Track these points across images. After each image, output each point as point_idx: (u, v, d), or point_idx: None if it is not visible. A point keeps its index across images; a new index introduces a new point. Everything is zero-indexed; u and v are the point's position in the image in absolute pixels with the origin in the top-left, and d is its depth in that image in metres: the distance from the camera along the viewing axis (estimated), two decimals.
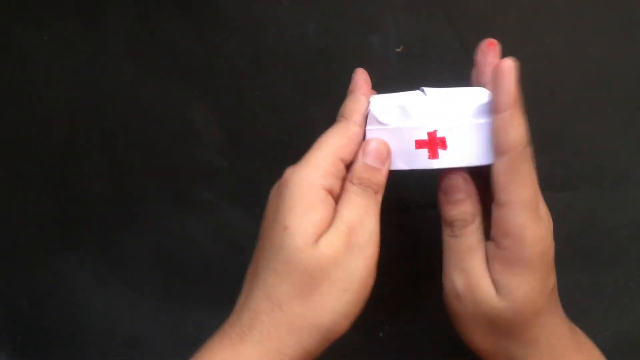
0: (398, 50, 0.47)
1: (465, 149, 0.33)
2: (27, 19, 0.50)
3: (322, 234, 0.33)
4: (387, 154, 0.35)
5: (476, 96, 0.34)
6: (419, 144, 0.34)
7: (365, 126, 0.36)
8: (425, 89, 0.35)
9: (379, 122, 0.35)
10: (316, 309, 0.31)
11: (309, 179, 0.34)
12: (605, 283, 0.46)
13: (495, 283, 0.33)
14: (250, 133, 0.48)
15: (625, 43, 0.46)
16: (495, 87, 0.33)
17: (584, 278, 0.45)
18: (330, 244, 0.32)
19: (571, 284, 0.45)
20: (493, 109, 0.33)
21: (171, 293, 0.48)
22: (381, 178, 0.35)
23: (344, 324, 0.33)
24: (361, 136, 0.36)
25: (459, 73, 0.47)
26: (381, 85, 0.47)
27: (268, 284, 0.32)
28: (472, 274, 0.34)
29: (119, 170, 0.49)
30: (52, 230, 0.49)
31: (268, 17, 0.48)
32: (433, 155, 0.33)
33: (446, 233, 0.36)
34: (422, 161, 0.34)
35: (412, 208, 0.47)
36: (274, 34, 0.48)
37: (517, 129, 0.32)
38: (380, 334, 0.46)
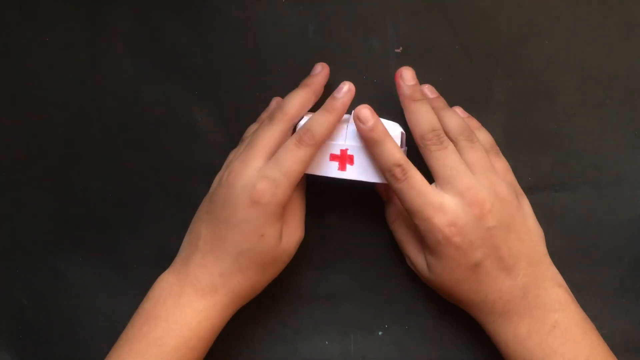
0: (397, 50, 0.47)
1: (367, 168, 0.41)
2: (28, 19, 0.50)
3: None
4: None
5: (388, 129, 0.41)
6: (332, 157, 0.41)
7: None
8: (348, 115, 0.42)
9: None
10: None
11: None
12: (603, 282, 0.46)
13: (426, 260, 0.41)
14: None
15: (624, 43, 0.46)
16: (398, 91, 0.42)
17: (582, 277, 0.46)
18: None
19: (569, 283, 0.46)
20: (402, 104, 0.42)
21: None
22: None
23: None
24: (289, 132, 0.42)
25: (458, 74, 0.47)
26: (380, 86, 0.47)
27: None
28: (411, 257, 0.43)
29: (119, 170, 0.49)
30: (53, 230, 0.49)
31: (268, 17, 0.48)
32: (342, 167, 0.41)
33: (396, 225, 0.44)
34: (332, 171, 0.42)
35: None
36: (274, 34, 0.48)
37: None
38: (380, 334, 0.46)
